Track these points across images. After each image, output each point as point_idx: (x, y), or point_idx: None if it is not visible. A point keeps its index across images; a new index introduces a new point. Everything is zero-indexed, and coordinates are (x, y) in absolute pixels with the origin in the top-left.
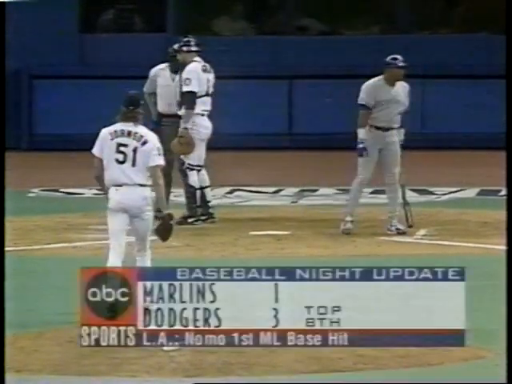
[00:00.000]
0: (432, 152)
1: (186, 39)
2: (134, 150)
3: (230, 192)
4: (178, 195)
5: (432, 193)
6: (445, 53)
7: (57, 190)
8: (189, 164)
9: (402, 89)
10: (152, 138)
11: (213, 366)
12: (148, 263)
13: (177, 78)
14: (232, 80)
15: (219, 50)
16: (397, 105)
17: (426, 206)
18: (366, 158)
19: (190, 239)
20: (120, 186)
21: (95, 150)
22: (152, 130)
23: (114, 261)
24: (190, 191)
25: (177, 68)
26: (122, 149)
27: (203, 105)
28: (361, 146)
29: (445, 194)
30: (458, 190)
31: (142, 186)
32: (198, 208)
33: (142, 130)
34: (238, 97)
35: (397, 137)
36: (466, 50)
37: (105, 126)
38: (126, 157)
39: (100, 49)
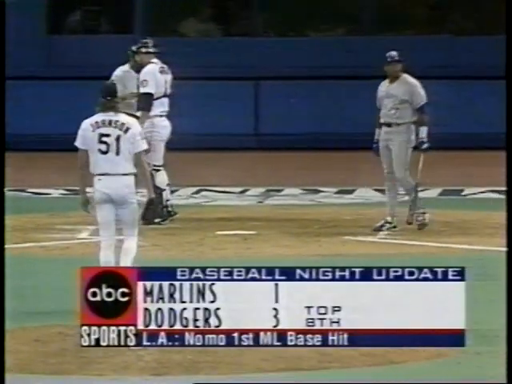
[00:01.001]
0: None
1: (144, 40)
2: (117, 139)
3: (197, 192)
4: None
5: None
6: (409, 54)
7: (24, 190)
8: (154, 165)
9: (403, 85)
10: (133, 124)
11: (180, 364)
12: (134, 245)
13: None
14: (198, 81)
15: (186, 51)
16: (389, 99)
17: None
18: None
19: (156, 239)
20: (102, 175)
21: (77, 143)
22: None
23: (106, 254)
24: (157, 192)
25: (139, 69)
26: (104, 139)
27: (161, 106)
28: (374, 145)
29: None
30: (421, 190)
31: (125, 175)
32: (164, 208)
33: (123, 117)
34: (204, 97)
35: (401, 135)
36: (429, 51)
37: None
38: (109, 146)
39: (68, 50)
